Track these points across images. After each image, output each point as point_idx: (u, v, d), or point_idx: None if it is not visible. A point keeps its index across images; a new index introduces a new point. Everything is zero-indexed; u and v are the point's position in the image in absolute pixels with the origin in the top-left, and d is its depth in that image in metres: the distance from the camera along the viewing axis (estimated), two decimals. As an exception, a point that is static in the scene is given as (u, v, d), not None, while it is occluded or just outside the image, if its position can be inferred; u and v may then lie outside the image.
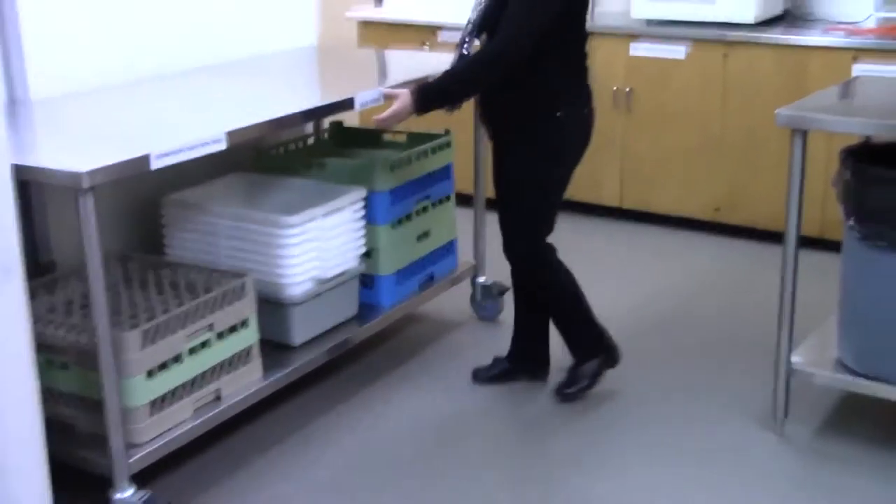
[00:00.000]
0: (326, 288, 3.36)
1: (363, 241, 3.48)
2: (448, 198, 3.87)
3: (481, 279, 4.03)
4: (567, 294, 3.35)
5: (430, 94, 3.05)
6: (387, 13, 5.73)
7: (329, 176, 3.55)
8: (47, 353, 2.78)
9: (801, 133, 2.96)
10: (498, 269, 3.70)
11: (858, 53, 4.44)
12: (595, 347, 3.38)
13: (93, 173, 2.46)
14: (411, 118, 3.14)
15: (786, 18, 5.01)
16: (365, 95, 3.23)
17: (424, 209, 3.74)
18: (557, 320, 3.41)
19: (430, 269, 3.80)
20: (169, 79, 3.59)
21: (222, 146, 2.80)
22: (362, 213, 3.45)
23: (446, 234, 3.89)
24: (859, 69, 4.40)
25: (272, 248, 3.20)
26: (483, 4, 3.10)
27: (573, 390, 3.36)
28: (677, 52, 4.84)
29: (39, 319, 2.81)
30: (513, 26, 2.96)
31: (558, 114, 3.09)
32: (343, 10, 5.73)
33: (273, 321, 3.23)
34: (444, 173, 3.82)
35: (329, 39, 4.72)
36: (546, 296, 3.38)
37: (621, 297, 4.25)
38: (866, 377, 3.02)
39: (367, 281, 3.59)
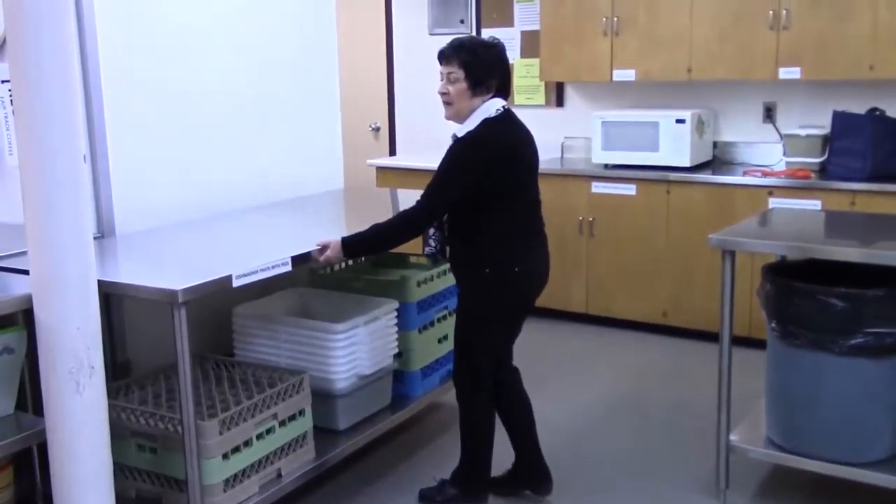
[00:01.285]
0: (366, 382, 3.29)
1: (396, 343, 3.43)
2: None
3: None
4: (475, 433, 3.02)
5: (355, 245, 2.91)
6: (399, 161, 5.81)
7: (369, 290, 3.52)
8: (139, 438, 2.72)
9: (729, 253, 2.96)
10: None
11: (773, 190, 4.48)
12: (469, 486, 3.06)
13: (186, 290, 2.45)
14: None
15: (714, 163, 5.08)
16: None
17: (444, 317, 3.69)
18: (461, 441, 3.06)
19: (448, 365, 3.69)
20: (229, 216, 3.59)
21: (288, 269, 2.79)
22: (395, 321, 3.41)
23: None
24: (774, 202, 4.44)
25: (323, 349, 3.15)
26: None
27: (432, 498, 3.11)
28: (629, 189, 4.88)
29: (133, 411, 2.76)
30: (426, 196, 2.85)
31: (486, 270, 2.85)
32: (364, 158, 5.82)
33: (322, 410, 3.14)
34: (458, 288, 3.78)
35: (353, 181, 4.78)
36: (461, 418, 3.05)
37: (586, 386, 4.19)
38: (791, 452, 2.96)
39: (398, 376, 3.52)
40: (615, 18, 4.99)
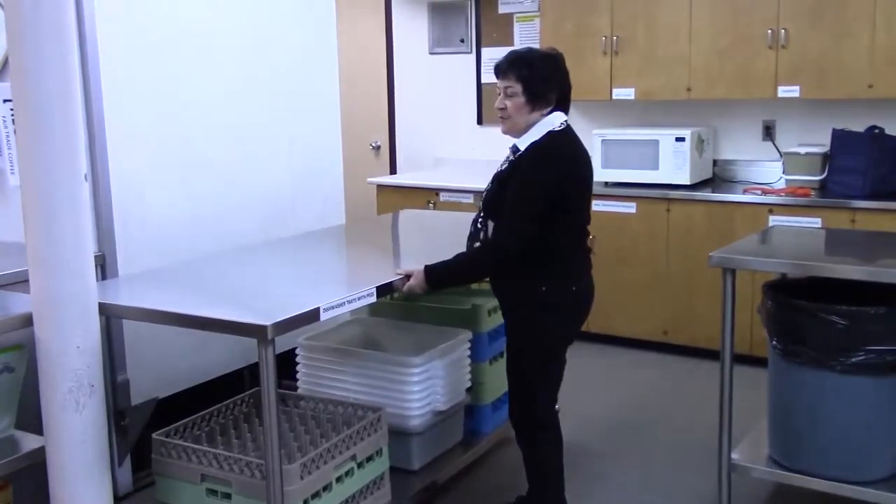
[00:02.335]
0: (441, 418, 3.16)
1: (469, 376, 3.30)
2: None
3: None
4: (549, 476, 2.86)
5: (441, 275, 2.74)
6: (399, 179, 5.83)
7: (436, 320, 3.37)
8: (211, 483, 2.59)
9: (730, 271, 2.96)
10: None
11: (773, 208, 4.49)
12: None
13: (275, 326, 2.28)
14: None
15: (714, 181, 5.10)
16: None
17: None
18: (530, 482, 2.92)
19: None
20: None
21: (373, 299, 2.64)
22: (469, 352, 3.29)
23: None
24: (774, 220, 4.44)
25: (399, 384, 3.01)
26: (488, 190, 2.78)
27: None
28: (630, 207, 4.89)
29: (206, 454, 2.62)
30: (512, 217, 2.65)
31: (543, 288, 2.70)
32: (365, 176, 5.84)
33: (395, 449, 2.97)
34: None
35: (353, 199, 4.77)
36: (528, 462, 2.90)
37: (586, 405, 4.17)
38: (793, 471, 2.95)
39: (468, 410, 3.39)
40: (615, 38, 5.01)
